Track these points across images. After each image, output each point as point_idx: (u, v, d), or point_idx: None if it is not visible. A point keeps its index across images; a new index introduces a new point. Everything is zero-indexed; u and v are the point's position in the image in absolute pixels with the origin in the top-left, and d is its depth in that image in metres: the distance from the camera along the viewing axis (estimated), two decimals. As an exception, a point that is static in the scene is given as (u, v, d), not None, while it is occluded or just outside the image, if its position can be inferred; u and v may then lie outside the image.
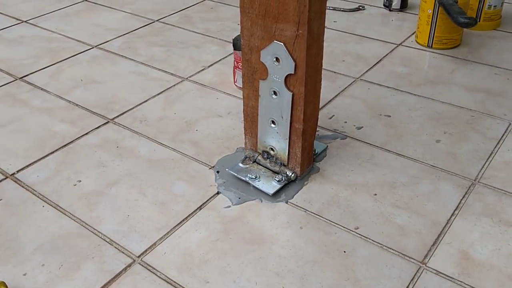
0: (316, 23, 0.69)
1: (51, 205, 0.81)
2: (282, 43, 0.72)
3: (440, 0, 1.18)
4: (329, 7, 1.48)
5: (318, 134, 0.94)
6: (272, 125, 0.81)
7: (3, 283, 0.66)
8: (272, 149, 0.84)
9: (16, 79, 1.18)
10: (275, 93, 0.78)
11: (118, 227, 0.77)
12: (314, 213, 0.78)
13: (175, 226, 0.77)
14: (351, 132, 0.96)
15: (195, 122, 1.01)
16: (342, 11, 1.48)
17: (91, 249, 0.73)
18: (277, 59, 0.74)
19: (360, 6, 1.50)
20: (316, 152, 0.89)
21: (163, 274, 0.69)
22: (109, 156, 0.92)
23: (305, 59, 0.71)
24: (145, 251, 0.73)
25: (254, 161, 0.87)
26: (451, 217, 0.77)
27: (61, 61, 1.26)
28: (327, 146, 0.92)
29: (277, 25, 0.71)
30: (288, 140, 0.81)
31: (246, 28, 0.76)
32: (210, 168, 0.88)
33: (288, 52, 0.72)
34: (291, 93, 0.76)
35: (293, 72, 0.73)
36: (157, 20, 1.47)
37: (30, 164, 0.90)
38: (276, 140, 0.82)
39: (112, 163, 0.90)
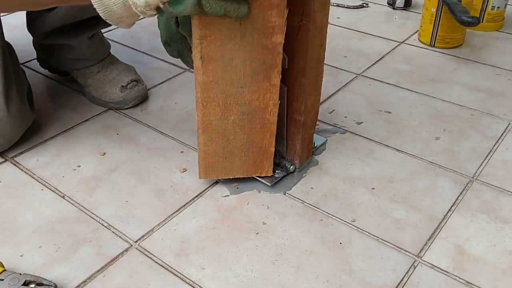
0: (320, 14, 0.70)
1: (50, 189, 0.82)
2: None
3: (444, -1, 1.18)
4: (333, 3, 1.48)
5: (317, 128, 0.95)
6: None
7: (0, 263, 0.66)
8: (271, 140, 0.84)
9: (18, 65, 1.18)
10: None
11: (116, 212, 0.77)
12: (312, 205, 0.78)
13: (173, 213, 0.77)
14: (351, 127, 0.96)
15: (195, 112, 1.00)
16: (346, 7, 1.48)
17: (88, 233, 0.74)
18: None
19: (363, 3, 1.50)
20: (316, 145, 0.89)
21: (160, 260, 0.70)
22: (109, 142, 0.92)
23: (307, 50, 0.71)
24: (143, 236, 0.73)
25: (254, 152, 0.87)
26: (447, 212, 0.77)
27: (63, 48, 1.25)
28: (327, 140, 0.92)
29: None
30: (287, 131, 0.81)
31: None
32: (209, 158, 0.88)
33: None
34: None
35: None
36: (160, 11, 1.46)
37: (30, 148, 0.90)
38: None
39: (112, 149, 0.90)
